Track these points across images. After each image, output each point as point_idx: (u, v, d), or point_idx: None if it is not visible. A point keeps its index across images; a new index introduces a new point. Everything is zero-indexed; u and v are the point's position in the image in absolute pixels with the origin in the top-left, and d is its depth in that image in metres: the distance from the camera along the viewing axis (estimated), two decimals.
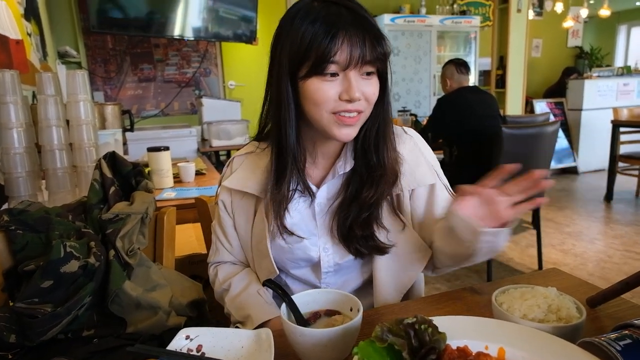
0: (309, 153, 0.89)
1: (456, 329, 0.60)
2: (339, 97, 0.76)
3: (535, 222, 2.95)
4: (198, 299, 1.02)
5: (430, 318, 0.57)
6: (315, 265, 0.91)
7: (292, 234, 0.87)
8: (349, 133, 0.80)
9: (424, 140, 0.97)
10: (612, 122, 4.15)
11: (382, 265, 0.89)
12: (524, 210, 0.70)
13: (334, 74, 0.75)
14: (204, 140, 3.45)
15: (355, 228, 0.86)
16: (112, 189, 1.02)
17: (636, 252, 2.99)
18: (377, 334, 0.54)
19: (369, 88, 0.78)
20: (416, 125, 3.43)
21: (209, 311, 1.07)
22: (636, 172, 4.33)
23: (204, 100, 3.63)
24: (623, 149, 4.27)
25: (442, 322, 0.62)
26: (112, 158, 1.09)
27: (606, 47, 7.51)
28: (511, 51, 4.73)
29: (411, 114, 3.74)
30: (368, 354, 0.52)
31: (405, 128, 0.97)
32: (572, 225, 3.62)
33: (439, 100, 2.97)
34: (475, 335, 0.59)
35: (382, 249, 0.87)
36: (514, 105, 4.96)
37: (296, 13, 0.77)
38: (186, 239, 1.69)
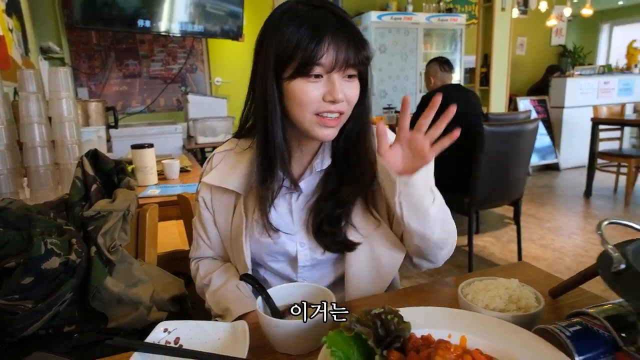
0: (292, 150, 0.91)
1: (422, 319, 0.64)
2: (323, 98, 0.79)
3: (516, 218, 3.01)
4: (179, 295, 1.04)
5: (397, 309, 0.60)
6: (293, 260, 0.94)
7: (277, 230, 0.89)
8: (329, 134, 0.83)
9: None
10: (592, 119, 4.24)
11: (355, 261, 0.91)
12: (443, 145, 0.76)
13: (318, 76, 0.78)
14: (189, 137, 3.45)
15: (325, 224, 0.89)
16: (94, 186, 1.04)
17: None
18: (345, 324, 0.57)
19: (351, 90, 0.81)
20: None
21: (193, 307, 1.09)
22: (614, 169, 4.44)
23: (190, 97, 3.62)
24: (602, 146, 4.37)
25: (409, 313, 0.65)
26: (94, 156, 1.10)
27: (589, 46, 7.64)
28: (495, 49, 4.80)
29: (396, 112, 3.77)
30: (336, 343, 0.54)
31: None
32: (552, 221, 3.71)
33: (422, 98, 3.01)
34: (440, 325, 0.62)
35: (350, 246, 0.90)
36: (497, 103, 5.03)
37: (282, 15, 0.80)
38: (169, 235, 1.70)
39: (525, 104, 5.67)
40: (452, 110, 0.73)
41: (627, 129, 4.95)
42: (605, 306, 0.59)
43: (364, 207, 0.91)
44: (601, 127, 4.31)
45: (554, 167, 5.70)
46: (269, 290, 0.72)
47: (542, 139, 5.63)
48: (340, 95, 0.78)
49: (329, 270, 0.96)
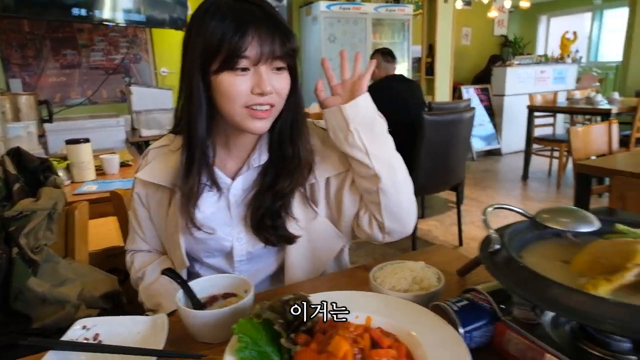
0: (222, 146, 0.92)
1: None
2: (251, 91, 0.80)
3: (457, 202, 3.17)
4: (112, 291, 1.04)
5: (308, 294, 0.64)
6: (229, 254, 0.96)
7: (199, 228, 0.90)
8: (262, 126, 0.84)
9: None
10: (528, 107, 4.49)
11: (294, 253, 0.95)
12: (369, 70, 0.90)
13: (245, 69, 0.79)
14: (134, 130, 3.35)
15: (266, 218, 0.91)
16: (17, 185, 1.01)
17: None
18: (256, 311, 0.60)
19: (280, 82, 0.83)
20: None
21: (130, 302, 1.09)
22: (548, 153, 4.73)
23: (133, 88, 3.51)
24: (537, 132, 4.65)
25: (320, 298, 0.70)
26: (16, 153, 1.07)
27: (528, 36, 8.03)
28: (439, 40, 4.96)
29: None
30: (246, 330, 0.58)
31: (317, 121, 1.03)
32: (492, 203, 3.91)
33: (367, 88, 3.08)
34: (350, 307, 0.67)
35: (290, 239, 0.93)
36: (442, 92, 5.21)
37: (207, 9, 0.80)
38: (107, 232, 1.67)
39: (469, 92, 5.90)
40: (344, 54, 0.90)
41: (559, 116, 5.27)
42: (492, 282, 0.66)
43: (302, 199, 0.94)
44: (536, 114, 4.58)
45: (496, 153, 6.00)
46: (192, 282, 0.75)
47: (487, 126, 5.91)
48: (268, 88, 0.80)
49: (266, 262, 0.99)
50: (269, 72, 0.81)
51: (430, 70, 5.05)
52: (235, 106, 0.81)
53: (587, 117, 4.84)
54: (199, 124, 0.84)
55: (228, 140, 0.92)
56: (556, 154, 4.52)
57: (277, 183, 0.91)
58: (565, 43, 6.34)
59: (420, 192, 2.93)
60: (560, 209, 0.65)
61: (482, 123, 5.86)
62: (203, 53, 0.79)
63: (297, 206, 0.94)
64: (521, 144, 5.28)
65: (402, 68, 6.01)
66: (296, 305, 0.61)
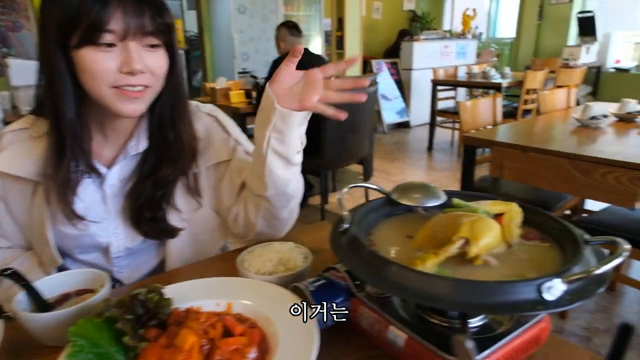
0: (97, 131, 0.84)
1: (193, 292, 0.66)
2: (120, 69, 0.73)
3: (365, 175, 3.27)
4: None
5: (162, 286, 0.61)
6: (105, 250, 0.89)
7: (82, 219, 0.82)
8: (135, 108, 0.77)
9: (226, 116, 0.99)
10: (432, 81, 4.72)
11: (176, 246, 0.90)
12: (343, 99, 0.77)
13: (110, 44, 0.71)
14: (14, 108, 2.99)
15: (145, 210, 0.85)
16: None
17: None
18: (99, 309, 0.56)
19: (155, 61, 0.76)
20: (257, 86, 3.45)
21: None
22: (451, 125, 5.04)
23: (11, 61, 3.12)
24: (441, 105, 4.92)
25: (181, 287, 0.67)
26: None
27: (435, 12, 8.36)
28: (348, 13, 4.97)
29: (252, 76, 3.73)
30: (85, 331, 0.54)
31: (203, 105, 0.97)
32: (400, 175, 4.12)
33: (273, 62, 3.02)
34: (210, 295, 0.65)
35: (172, 232, 0.88)
36: (352, 67, 5.27)
37: None
38: None
39: (380, 66, 6.05)
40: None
41: (461, 89, 5.61)
42: None
43: (185, 188, 0.89)
44: (439, 87, 4.83)
45: (406, 125, 6.27)
46: (39, 281, 0.68)
47: (398, 99, 6.13)
48: (138, 66, 0.73)
49: (147, 256, 0.94)
50: (139, 49, 0.74)
51: (340, 44, 5.08)
52: (101, 86, 0.73)
53: (484, 90, 5.20)
54: (66, 106, 0.75)
55: (103, 125, 0.83)
56: (457, 125, 4.83)
57: (158, 170, 0.85)
58: (466, 19, 6.70)
59: (329, 166, 2.97)
60: (413, 185, 0.68)
61: (393, 97, 6.06)
62: (60, 26, 0.70)
63: (179, 196, 0.89)
64: (428, 117, 5.57)
65: (316, 42, 5.99)
66: (147, 299, 0.58)
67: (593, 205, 2.08)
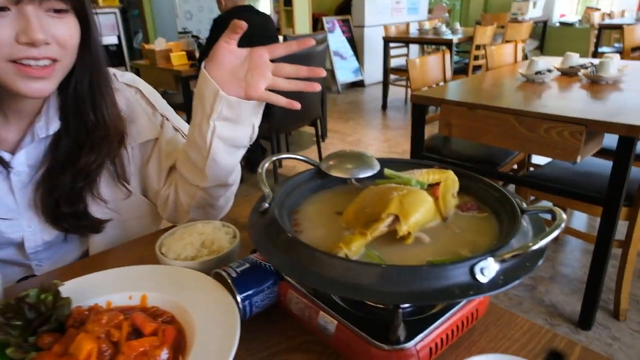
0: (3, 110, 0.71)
1: (102, 285, 0.58)
2: (17, 40, 0.59)
3: (317, 137, 3.20)
4: None
5: (60, 283, 0.53)
6: (19, 246, 0.78)
7: None
8: (41, 88, 0.64)
9: (148, 85, 0.87)
10: (383, 38, 4.62)
11: (101, 238, 0.81)
12: (296, 87, 0.69)
13: (2, 9, 0.58)
14: None
15: (62, 204, 0.74)
16: None
17: (398, 152, 3.56)
18: None
19: (61, 29, 0.63)
20: (199, 47, 3.23)
21: None
22: (404, 83, 5.01)
23: None
24: (394, 63, 4.85)
25: (87, 281, 0.59)
26: None
27: None
28: None
29: (193, 36, 3.49)
30: None
31: (121, 74, 0.84)
32: (354, 135, 4.08)
33: (214, 21, 2.81)
34: (123, 287, 0.58)
35: (97, 226, 0.79)
36: (302, 24, 5.08)
37: None
38: None
39: (332, 23, 5.86)
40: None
41: (413, 47, 5.56)
42: None
43: (111, 176, 0.79)
44: (391, 45, 4.74)
45: (360, 84, 6.18)
46: None
47: (351, 58, 5.99)
48: (39, 36, 0.59)
49: (70, 248, 0.84)
50: (40, 14, 0.60)
51: (289, 0, 4.84)
52: None
53: (436, 47, 5.16)
54: None
55: (2, 105, 0.70)
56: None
57: (77, 159, 0.73)
58: None
59: (280, 129, 2.88)
60: (345, 154, 0.62)
61: (348, 55, 5.92)
62: None
63: (105, 186, 0.79)
64: (381, 75, 5.50)
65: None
66: (38, 301, 0.50)
67: (539, 159, 2.13)
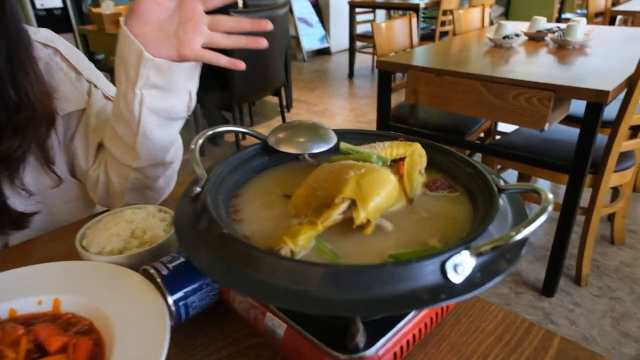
0: None
1: (6, 289, 0.48)
2: None
3: (282, 106, 3.08)
4: None
5: None
6: None
7: None
8: None
9: (69, 44, 0.74)
10: (349, 3, 4.45)
11: (26, 230, 0.70)
12: (237, 44, 0.58)
13: None
14: None
15: None
16: None
17: (365, 122, 3.48)
18: None
19: None
20: None
21: None
22: (371, 50, 4.88)
23: None
24: (360, 29, 4.70)
25: None
26: None
27: None
28: None
29: None
30: None
31: (34, 30, 0.70)
32: (320, 104, 3.96)
33: None
34: (29, 291, 0.48)
35: (20, 222, 0.68)
36: None
37: None
38: None
39: None
40: None
41: (379, 12, 5.40)
42: None
43: (38, 163, 0.68)
44: (357, 10, 4.58)
45: (326, 52, 6.00)
46: None
47: (318, 26, 5.77)
48: None
49: None
50: None
51: None
52: None
53: (403, 12, 5.03)
54: None
55: None
56: None
57: None
58: None
59: (241, 99, 2.73)
60: (297, 125, 0.53)
61: (312, 22, 5.70)
62: None
63: (30, 174, 0.67)
64: (348, 42, 5.34)
65: None
66: None
67: (505, 127, 2.10)
